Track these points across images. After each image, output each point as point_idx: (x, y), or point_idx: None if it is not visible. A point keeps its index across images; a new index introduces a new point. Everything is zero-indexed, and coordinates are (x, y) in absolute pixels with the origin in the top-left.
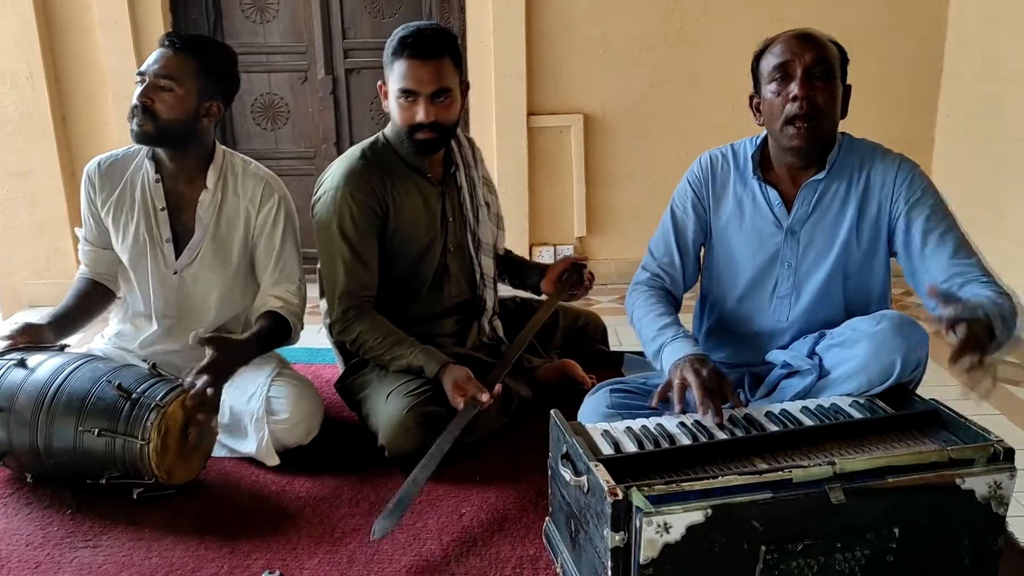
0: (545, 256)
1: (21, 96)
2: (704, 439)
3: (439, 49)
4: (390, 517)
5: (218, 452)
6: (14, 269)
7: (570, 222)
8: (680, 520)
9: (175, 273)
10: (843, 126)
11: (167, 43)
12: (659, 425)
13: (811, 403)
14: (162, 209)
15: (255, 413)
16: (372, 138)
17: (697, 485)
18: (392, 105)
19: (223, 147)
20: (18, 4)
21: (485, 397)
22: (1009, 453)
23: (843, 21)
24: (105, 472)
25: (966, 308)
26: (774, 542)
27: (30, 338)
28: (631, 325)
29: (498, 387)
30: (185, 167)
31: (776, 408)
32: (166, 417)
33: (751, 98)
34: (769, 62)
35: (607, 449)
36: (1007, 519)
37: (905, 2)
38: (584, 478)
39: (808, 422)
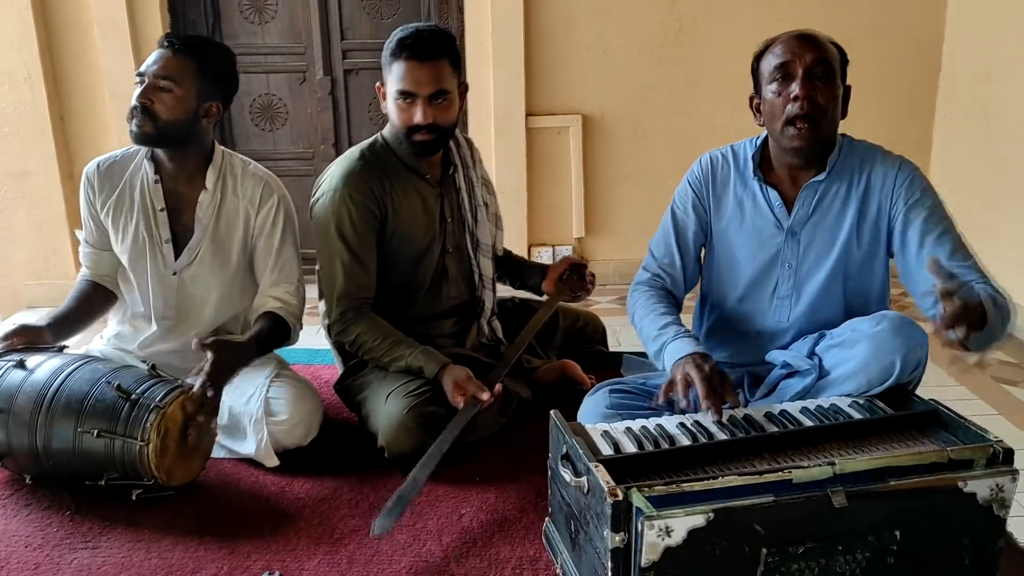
0: (544, 256)
1: (19, 96)
2: (704, 440)
3: (437, 50)
4: (389, 515)
5: (217, 453)
6: (12, 270)
7: (568, 223)
8: (682, 523)
9: (174, 274)
10: (842, 127)
11: (166, 44)
12: (659, 426)
13: (811, 403)
14: (161, 210)
15: (254, 414)
16: (371, 139)
17: (697, 486)
18: (390, 106)
19: (222, 148)
20: (16, 4)
21: (486, 396)
22: (1008, 454)
23: (841, 22)
24: (104, 473)
25: (961, 286)
26: (775, 545)
27: (27, 340)
28: (632, 325)
29: (498, 386)
30: (184, 168)
31: (776, 408)
32: (165, 418)
33: (751, 99)
34: (770, 62)
35: (607, 450)
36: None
37: (903, 3)
38: (584, 479)
39: (808, 422)
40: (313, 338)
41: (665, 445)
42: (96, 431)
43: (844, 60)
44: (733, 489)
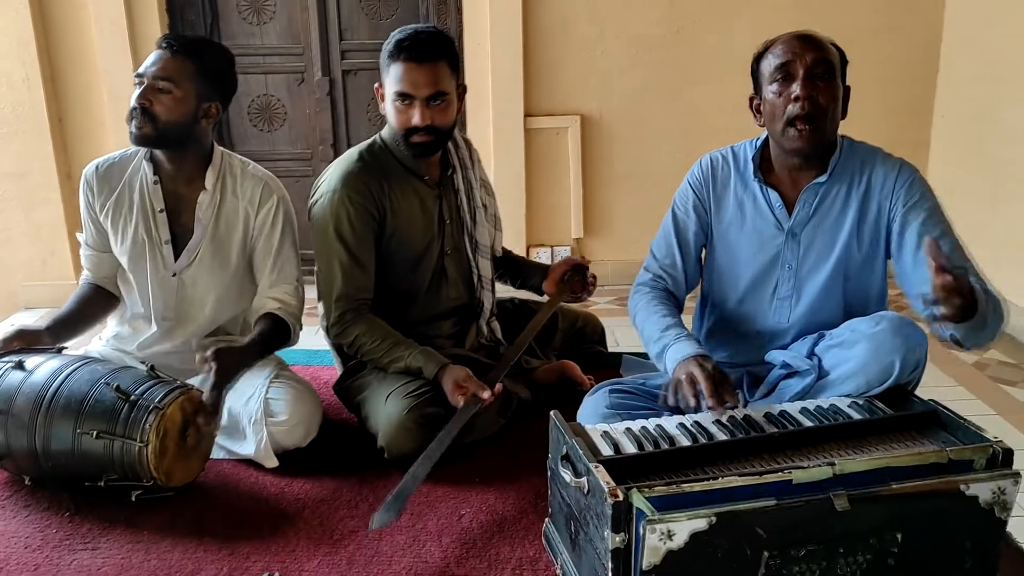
0: (542, 257)
1: (17, 97)
2: (704, 440)
3: (436, 52)
4: (388, 509)
5: (216, 454)
6: (10, 271)
7: (567, 223)
8: (683, 527)
9: (174, 275)
10: (841, 127)
11: (164, 45)
12: (658, 426)
13: (810, 404)
14: (161, 211)
15: (253, 415)
16: (369, 140)
17: (697, 486)
18: (388, 108)
19: (221, 148)
20: (14, 5)
21: (486, 394)
22: (1008, 454)
23: (839, 23)
24: (103, 474)
25: (956, 267)
26: (777, 547)
27: (26, 343)
28: (633, 326)
29: (499, 385)
30: (184, 169)
31: (775, 409)
32: (165, 419)
33: (751, 99)
34: (770, 63)
35: (607, 450)
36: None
37: (901, 4)
38: (584, 479)
39: (807, 423)
40: (312, 339)
41: (665, 446)
42: (95, 432)
43: (844, 61)
44: (734, 490)
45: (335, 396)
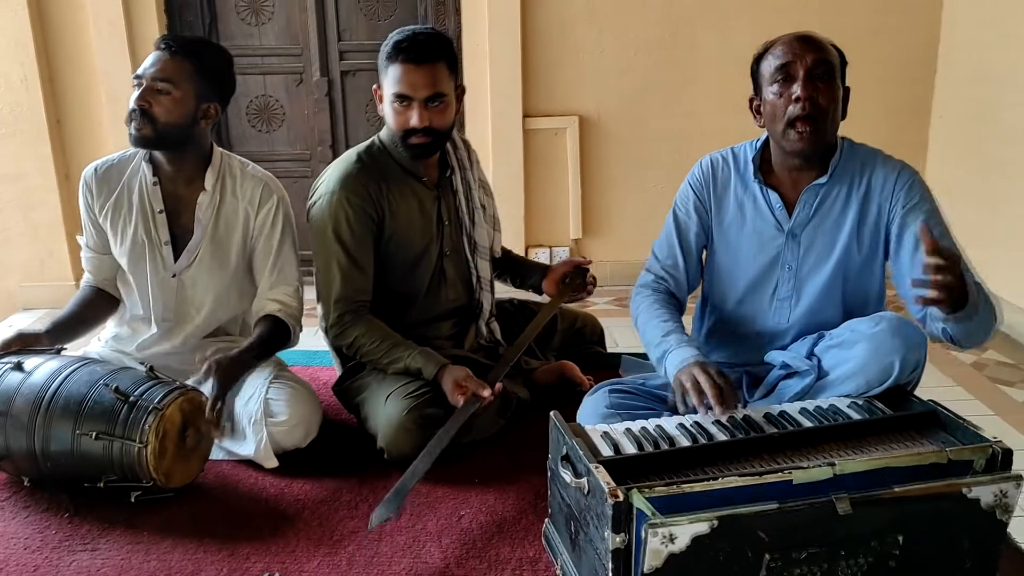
0: (541, 258)
1: (15, 98)
2: (703, 441)
3: (434, 54)
4: (388, 505)
5: (216, 455)
6: (8, 272)
7: (566, 224)
8: (685, 531)
9: (174, 276)
10: (839, 128)
11: (163, 46)
12: (658, 427)
13: (810, 404)
14: (160, 212)
15: (253, 415)
16: (368, 142)
17: (697, 487)
18: (387, 109)
19: (220, 149)
20: (13, 6)
21: (486, 392)
22: (1008, 454)
23: (837, 24)
24: (103, 475)
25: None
26: (778, 550)
27: (25, 346)
28: (635, 327)
29: (499, 385)
30: (183, 169)
31: (775, 409)
32: (164, 420)
33: (751, 100)
34: (771, 64)
35: (607, 451)
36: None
37: (899, 6)
38: (584, 480)
39: (807, 423)
40: (312, 339)
41: (665, 446)
42: (94, 433)
43: (843, 62)
44: (734, 491)
45: (334, 397)
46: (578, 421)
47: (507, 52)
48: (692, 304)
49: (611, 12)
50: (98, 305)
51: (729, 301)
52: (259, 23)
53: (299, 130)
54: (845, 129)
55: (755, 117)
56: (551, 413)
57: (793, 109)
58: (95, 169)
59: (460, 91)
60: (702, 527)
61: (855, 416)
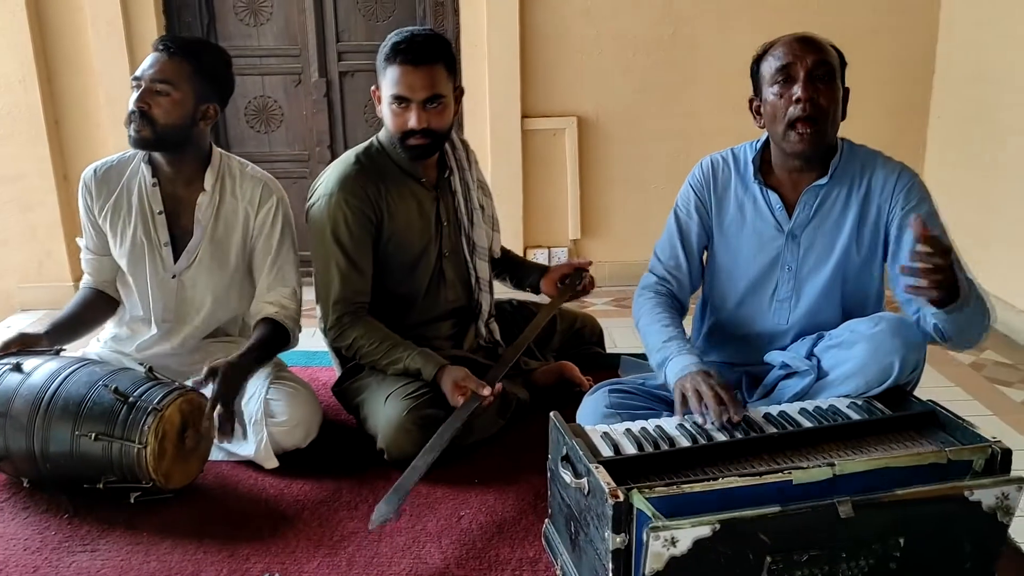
0: (540, 258)
1: (14, 99)
2: (703, 441)
3: (432, 55)
4: (388, 503)
5: (216, 455)
6: (6, 273)
7: (564, 224)
8: (687, 534)
9: (174, 277)
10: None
11: (161, 47)
12: (658, 427)
13: (809, 405)
14: (160, 213)
15: (253, 415)
16: (366, 143)
17: (698, 487)
18: (385, 111)
19: (220, 150)
20: (11, 7)
21: (486, 391)
22: (1007, 454)
23: (835, 25)
24: (102, 476)
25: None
26: (780, 552)
27: (24, 347)
28: (636, 329)
29: (498, 385)
30: (183, 170)
31: (775, 410)
32: (163, 421)
33: (751, 101)
34: (771, 65)
35: (607, 451)
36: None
37: (897, 6)
38: (585, 480)
39: (807, 424)
40: (311, 340)
41: (665, 446)
42: (94, 434)
43: (843, 63)
44: (734, 491)
45: (334, 397)
46: (578, 421)
47: (506, 53)
48: (692, 304)
49: (610, 12)
50: (97, 306)
51: (729, 302)
52: (257, 24)
53: (297, 131)
54: (844, 130)
55: (755, 118)
56: (551, 413)
57: (794, 110)
58: (94, 171)
59: (459, 92)
60: (704, 530)
61: (854, 416)
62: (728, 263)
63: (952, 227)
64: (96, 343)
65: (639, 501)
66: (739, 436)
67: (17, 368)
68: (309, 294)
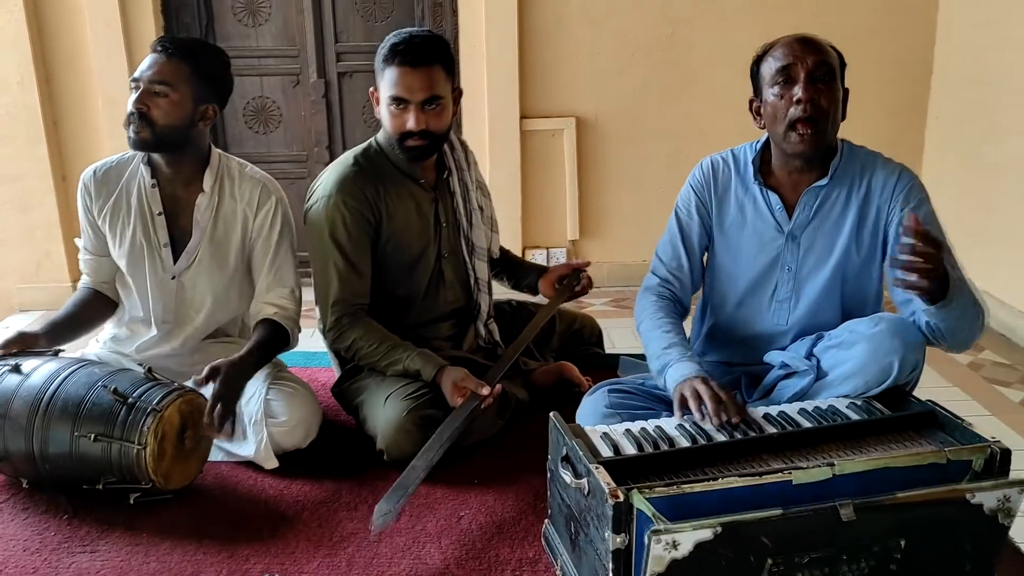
0: (538, 259)
1: (12, 100)
2: (703, 441)
3: (430, 57)
4: (389, 502)
5: (215, 456)
6: (5, 273)
7: (563, 225)
8: (688, 537)
9: (173, 278)
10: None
11: (159, 48)
12: (658, 427)
13: (809, 405)
14: (159, 214)
15: (253, 416)
16: (364, 144)
17: (697, 487)
18: (383, 112)
19: (219, 150)
20: (9, 7)
21: (486, 391)
22: (1006, 455)
23: (834, 25)
24: (102, 477)
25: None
26: (781, 555)
27: (23, 347)
28: (637, 331)
29: (498, 386)
30: (182, 171)
31: (774, 410)
32: (163, 421)
33: (751, 102)
34: (771, 65)
35: (607, 451)
36: None
37: (895, 7)
38: (584, 480)
39: (806, 424)
40: (310, 341)
41: (664, 447)
42: (93, 435)
43: (843, 63)
44: (735, 493)
45: (333, 398)
46: (577, 421)
47: (504, 53)
48: (692, 305)
49: (608, 13)
50: (96, 307)
51: (729, 302)
52: (256, 24)
53: (296, 131)
54: (842, 129)
55: (755, 119)
56: (550, 414)
57: (794, 111)
58: (94, 172)
59: (457, 93)
60: (705, 533)
61: (854, 416)
62: (728, 264)
63: (950, 227)
64: (95, 344)
65: (639, 501)
66: (739, 436)
67: (16, 369)
68: (309, 295)
